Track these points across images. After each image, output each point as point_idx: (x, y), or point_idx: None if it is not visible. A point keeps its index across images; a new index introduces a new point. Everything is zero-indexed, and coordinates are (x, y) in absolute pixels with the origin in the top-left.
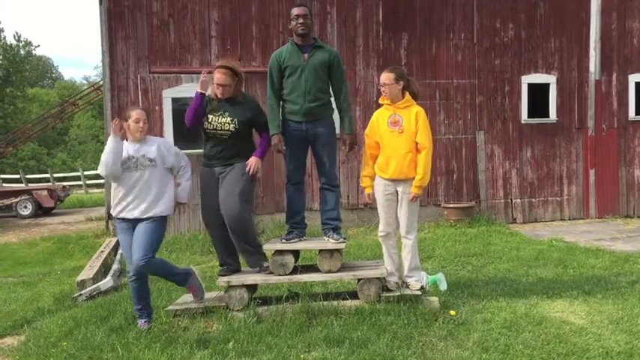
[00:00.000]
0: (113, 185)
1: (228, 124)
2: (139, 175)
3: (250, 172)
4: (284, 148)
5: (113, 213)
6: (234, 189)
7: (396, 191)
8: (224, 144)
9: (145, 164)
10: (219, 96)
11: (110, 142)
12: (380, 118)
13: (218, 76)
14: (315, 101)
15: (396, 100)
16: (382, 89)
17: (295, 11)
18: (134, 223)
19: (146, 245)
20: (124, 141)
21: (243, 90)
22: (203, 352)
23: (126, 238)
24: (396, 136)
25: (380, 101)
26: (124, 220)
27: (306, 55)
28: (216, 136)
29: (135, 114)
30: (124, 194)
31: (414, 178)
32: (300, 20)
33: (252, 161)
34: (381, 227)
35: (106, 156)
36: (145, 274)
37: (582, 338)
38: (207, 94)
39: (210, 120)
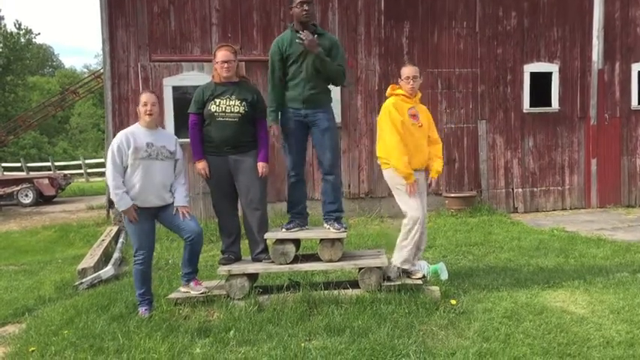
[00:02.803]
0: (128, 172)
1: (238, 106)
2: (159, 166)
3: (262, 175)
4: (285, 145)
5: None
6: (255, 184)
7: None
8: (233, 128)
9: (165, 155)
10: (224, 74)
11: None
12: (402, 108)
13: (222, 52)
14: (315, 88)
15: (415, 94)
16: (412, 83)
17: None
18: (151, 211)
19: (194, 218)
20: (137, 124)
21: (243, 74)
22: (204, 340)
23: (139, 225)
24: (418, 129)
25: (392, 91)
26: (139, 208)
27: None
28: (226, 119)
29: (143, 97)
30: (143, 184)
31: (425, 169)
32: (306, 7)
33: (262, 166)
34: (418, 214)
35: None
36: (200, 240)
37: (583, 328)
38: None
39: (218, 103)
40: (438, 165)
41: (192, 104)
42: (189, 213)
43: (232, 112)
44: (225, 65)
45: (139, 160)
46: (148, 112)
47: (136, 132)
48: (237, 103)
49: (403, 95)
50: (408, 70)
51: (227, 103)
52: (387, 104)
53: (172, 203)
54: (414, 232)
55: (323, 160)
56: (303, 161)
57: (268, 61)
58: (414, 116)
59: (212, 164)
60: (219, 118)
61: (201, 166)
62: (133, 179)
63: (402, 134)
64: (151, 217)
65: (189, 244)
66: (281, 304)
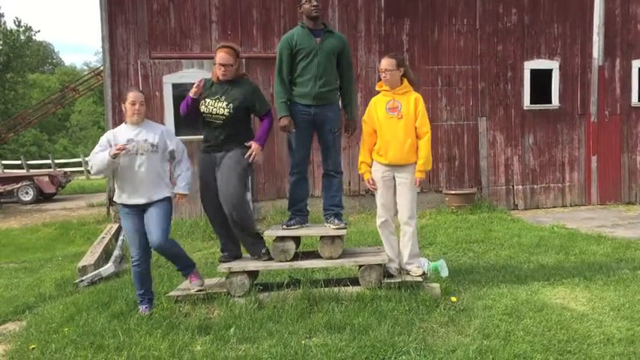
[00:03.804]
0: (117, 171)
1: (223, 108)
2: (141, 160)
3: (251, 160)
4: (293, 130)
5: (116, 199)
6: (231, 178)
7: (393, 177)
8: (220, 129)
9: (146, 149)
10: (220, 77)
11: (106, 159)
12: (378, 104)
13: (221, 54)
14: (325, 85)
15: (395, 86)
16: (383, 75)
17: None
18: (140, 208)
19: (162, 226)
20: (124, 122)
21: (243, 72)
22: (204, 337)
23: (130, 223)
24: (395, 122)
25: (377, 88)
26: (127, 205)
27: (318, 39)
28: (212, 120)
29: (131, 96)
30: (127, 180)
31: (413, 163)
32: (314, 3)
33: (254, 148)
34: (380, 213)
35: (97, 167)
36: (164, 252)
37: (583, 325)
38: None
39: (207, 104)
40: (418, 164)
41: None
42: (167, 220)
43: (217, 114)
44: (222, 69)
45: (120, 157)
46: (136, 112)
47: (118, 130)
48: (224, 105)
49: (384, 90)
50: (381, 64)
51: (214, 105)
52: (370, 102)
53: (158, 201)
54: (380, 233)
55: (327, 157)
56: (307, 159)
57: (276, 57)
58: (392, 109)
59: (201, 162)
60: (207, 119)
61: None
62: (119, 177)
63: (366, 135)
64: (139, 214)
65: (158, 253)
66: (281, 302)
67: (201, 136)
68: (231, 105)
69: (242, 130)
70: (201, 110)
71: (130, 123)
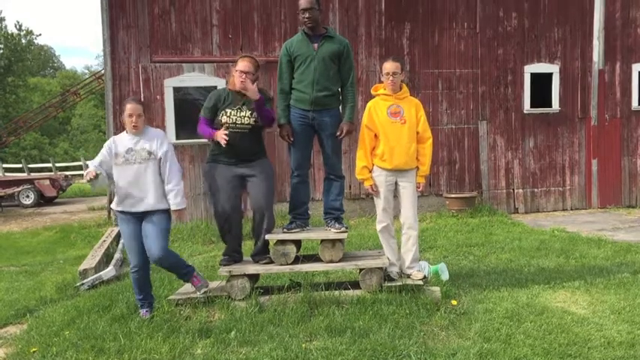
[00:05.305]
0: (114, 175)
1: (248, 117)
2: (139, 169)
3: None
4: (291, 139)
5: (114, 206)
6: (267, 188)
7: (395, 182)
8: (244, 139)
9: (143, 157)
10: (238, 86)
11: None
12: (378, 108)
13: (244, 63)
14: (323, 91)
15: (397, 90)
16: (390, 79)
17: (301, 4)
18: (139, 215)
19: (161, 238)
20: (124, 132)
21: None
22: (205, 341)
23: (129, 229)
24: (399, 127)
25: (373, 92)
26: (125, 212)
27: (315, 45)
28: (236, 130)
29: (128, 109)
30: (125, 188)
31: (415, 168)
32: (307, 15)
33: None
34: (380, 218)
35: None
36: (163, 266)
37: (584, 328)
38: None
39: (229, 114)
40: (421, 169)
41: (203, 109)
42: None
43: (242, 124)
44: (244, 76)
45: (118, 166)
46: (133, 125)
47: (119, 139)
48: (248, 114)
49: (383, 94)
50: (387, 66)
51: (237, 115)
52: (367, 106)
53: (157, 211)
54: (381, 237)
55: (328, 161)
56: (307, 162)
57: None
58: (394, 114)
59: (217, 170)
60: (230, 129)
61: (220, 133)
62: (117, 183)
63: (367, 140)
64: (136, 221)
65: (157, 265)
66: (282, 305)
67: (202, 140)
68: (255, 113)
69: (262, 141)
70: (223, 121)
71: (130, 133)
